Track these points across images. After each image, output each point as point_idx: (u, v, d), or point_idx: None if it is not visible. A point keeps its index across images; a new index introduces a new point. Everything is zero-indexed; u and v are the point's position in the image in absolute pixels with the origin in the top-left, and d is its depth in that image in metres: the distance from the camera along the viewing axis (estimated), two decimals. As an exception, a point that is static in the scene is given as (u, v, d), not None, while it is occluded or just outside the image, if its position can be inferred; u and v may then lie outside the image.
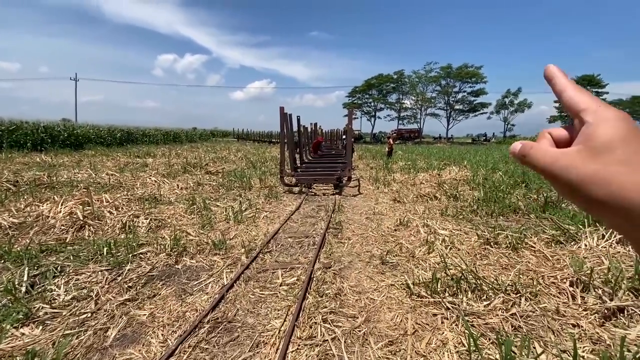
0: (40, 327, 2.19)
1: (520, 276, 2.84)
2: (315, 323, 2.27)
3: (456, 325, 2.26)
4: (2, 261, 3.14)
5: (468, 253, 3.51)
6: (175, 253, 3.47)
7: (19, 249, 3.36)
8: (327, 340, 2.11)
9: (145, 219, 4.45)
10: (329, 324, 2.28)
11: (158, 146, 21.97)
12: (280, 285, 2.87)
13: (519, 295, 2.56)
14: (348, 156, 8.27)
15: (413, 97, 57.98)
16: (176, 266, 3.25)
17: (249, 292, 2.75)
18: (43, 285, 2.70)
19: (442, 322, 2.30)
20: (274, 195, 6.68)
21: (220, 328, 2.26)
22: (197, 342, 2.09)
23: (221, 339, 2.15)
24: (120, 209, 4.84)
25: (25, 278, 2.73)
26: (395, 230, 4.47)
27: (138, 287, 2.78)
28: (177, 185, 7.09)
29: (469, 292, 2.62)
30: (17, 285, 2.60)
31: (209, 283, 2.93)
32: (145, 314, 2.39)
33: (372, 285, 2.90)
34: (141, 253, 3.45)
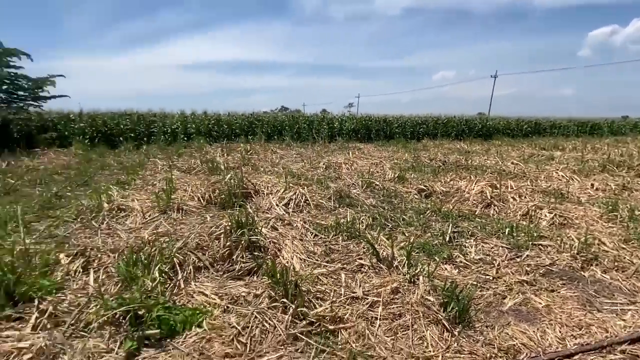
0: (457, 270, 2.89)
1: None
2: None
3: None
4: (435, 215, 4.39)
5: None
6: (582, 258, 3.04)
7: (444, 209, 4.52)
8: None
9: (550, 212, 4.22)
10: None
11: (568, 138, 19.30)
12: None
13: None
14: None
15: None
16: (581, 272, 2.86)
17: None
18: (458, 241, 3.49)
19: None
20: None
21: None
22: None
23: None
24: (522, 197, 4.96)
25: (449, 231, 3.66)
26: None
27: (536, 275, 2.79)
28: (591, 184, 5.96)
29: None
30: (444, 234, 3.56)
31: (628, 310, 2.31)
32: (541, 303, 2.38)
33: None
34: (541, 244, 3.37)
